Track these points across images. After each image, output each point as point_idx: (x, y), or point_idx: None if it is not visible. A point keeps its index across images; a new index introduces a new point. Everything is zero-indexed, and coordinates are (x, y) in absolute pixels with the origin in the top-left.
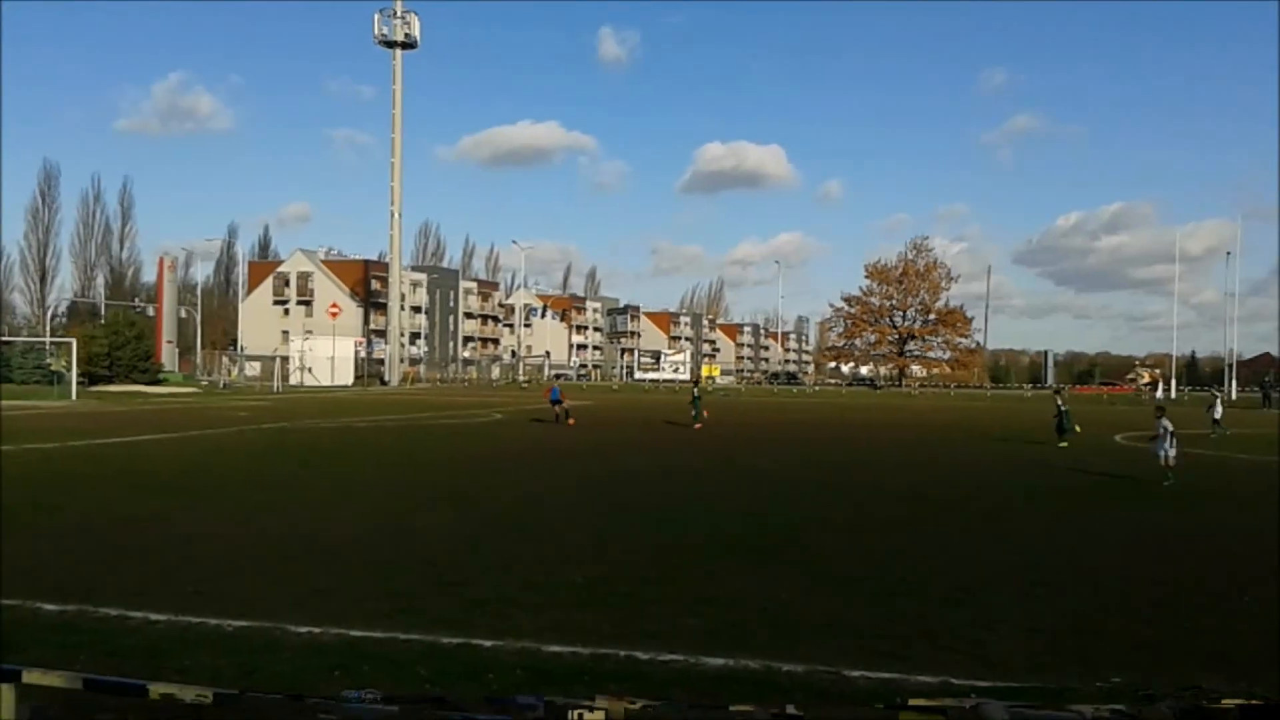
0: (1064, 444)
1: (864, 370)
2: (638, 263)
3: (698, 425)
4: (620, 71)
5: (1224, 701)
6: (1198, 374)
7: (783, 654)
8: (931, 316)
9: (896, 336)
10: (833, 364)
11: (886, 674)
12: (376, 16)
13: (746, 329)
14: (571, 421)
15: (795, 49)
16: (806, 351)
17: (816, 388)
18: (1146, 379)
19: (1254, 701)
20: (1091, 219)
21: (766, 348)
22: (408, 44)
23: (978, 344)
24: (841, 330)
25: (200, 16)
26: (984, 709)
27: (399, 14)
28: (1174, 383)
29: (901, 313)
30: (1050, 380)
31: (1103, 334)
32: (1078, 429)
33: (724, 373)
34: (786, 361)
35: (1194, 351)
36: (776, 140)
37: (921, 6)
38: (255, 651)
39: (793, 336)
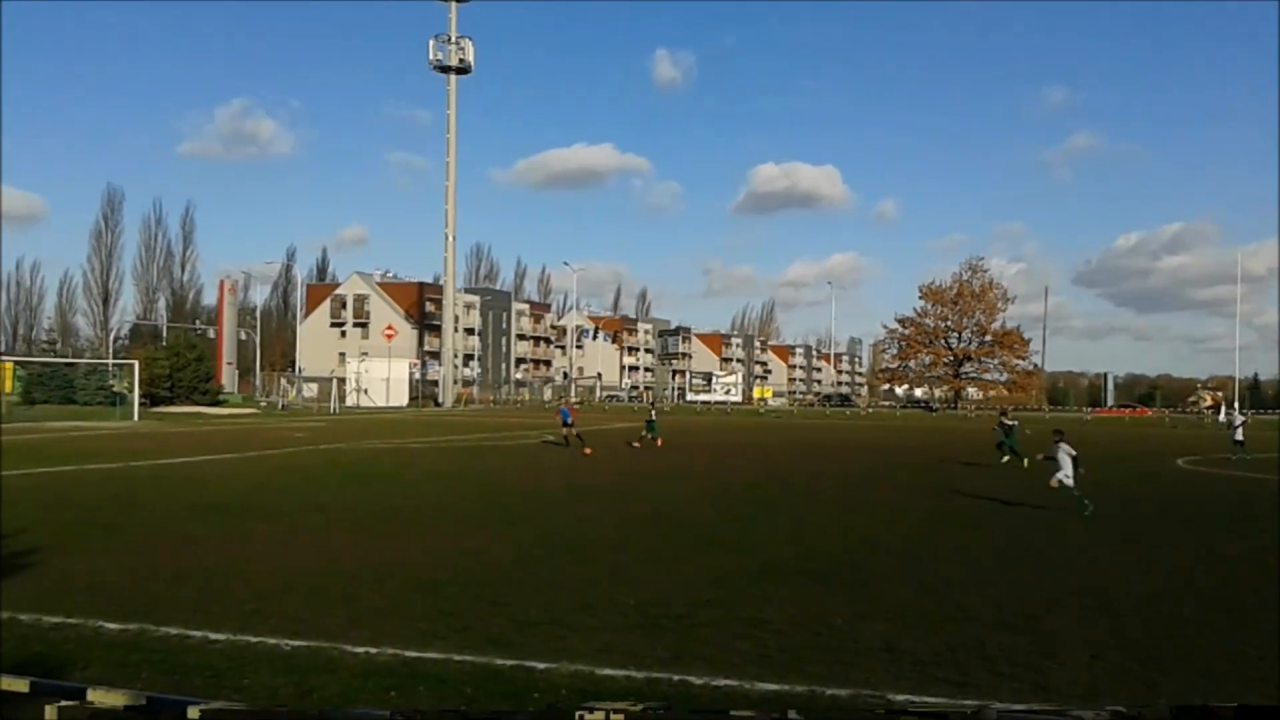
0: (1006, 459)
1: (918, 392)
2: (689, 284)
3: (637, 444)
4: (675, 93)
5: (1222, 706)
6: (1260, 397)
7: (837, 679)
8: (988, 338)
9: (952, 358)
10: (886, 386)
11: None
12: (431, 42)
13: (798, 350)
14: (588, 451)
15: (851, 68)
16: (859, 373)
17: (869, 410)
18: (1209, 401)
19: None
20: (1152, 239)
21: (819, 369)
22: (462, 69)
23: (1035, 366)
24: (895, 352)
25: (263, 42)
26: (984, 713)
27: (453, 40)
28: (1237, 405)
29: (957, 334)
30: (1110, 402)
31: (1164, 356)
32: (1024, 461)
33: (775, 394)
34: (839, 383)
35: (1257, 374)
36: (831, 161)
37: (980, 24)
38: (313, 671)
39: (845, 358)
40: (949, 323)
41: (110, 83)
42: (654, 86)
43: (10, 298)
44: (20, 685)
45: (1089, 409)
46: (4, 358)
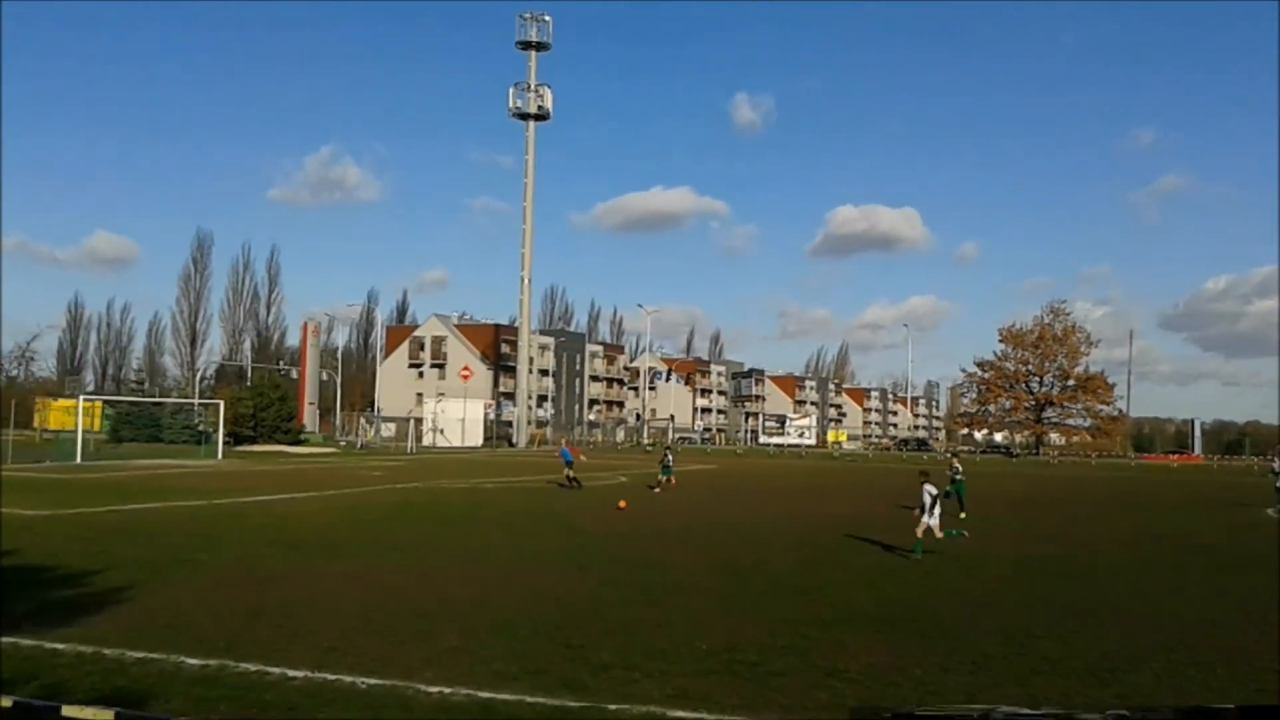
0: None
1: (998, 437)
2: (764, 326)
3: (657, 489)
4: (754, 135)
5: (1223, 707)
6: None
7: None
8: (1070, 382)
9: (1033, 403)
10: (965, 430)
11: None
12: (511, 90)
13: (874, 394)
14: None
15: (933, 110)
16: (937, 417)
17: (948, 454)
18: None
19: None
20: (1242, 282)
21: (895, 413)
22: (540, 116)
23: (1120, 411)
24: (974, 396)
25: (353, 91)
26: (992, 715)
27: (532, 88)
28: None
29: (1038, 378)
30: (1198, 449)
31: (1253, 402)
32: (962, 516)
33: (850, 438)
34: (916, 427)
35: None
36: (911, 203)
37: (1067, 64)
38: (387, 709)
39: (922, 402)
40: (1030, 366)
41: (204, 130)
42: (733, 129)
43: (100, 338)
44: (106, 716)
45: (1135, 454)
46: (94, 397)
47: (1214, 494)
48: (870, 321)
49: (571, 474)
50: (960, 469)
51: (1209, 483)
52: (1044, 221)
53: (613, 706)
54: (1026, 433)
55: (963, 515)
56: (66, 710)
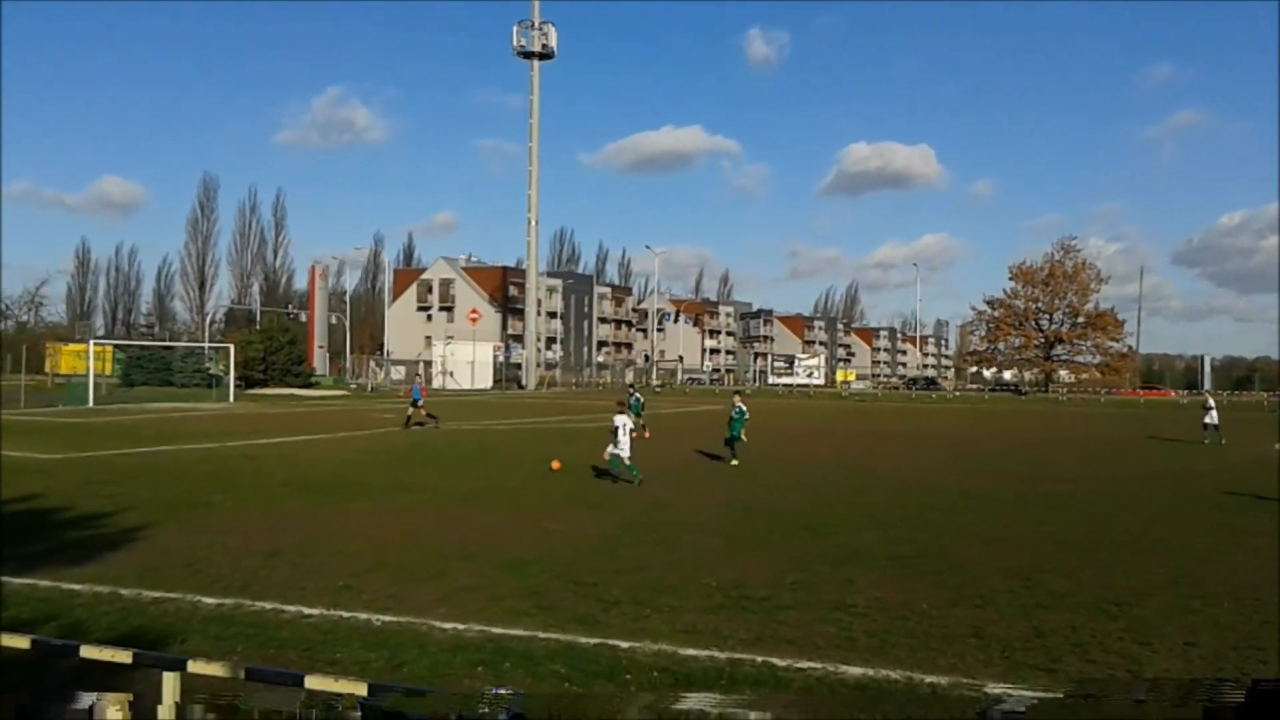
0: (735, 462)
1: (1007, 375)
2: (773, 267)
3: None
4: (768, 73)
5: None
6: None
7: (924, 665)
8: (1080, 319)
9: (1042, 340)
10: (974, 369)
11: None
12: (515, 28)
13: (883, 333)
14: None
15: (949, 46)
16: (946, 356)
17: (957, 393)
18: None
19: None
20: (1257, 217)
21: (904, 352)
22: (545, 55)
23: (1130, 348)
24: (984, 334)
25: (360, 30)
26: (991, 714)
27: (536, 25)
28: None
29: (1048, 315)
30: (1206, 385)
31: (1264, 338)
32: (744, 438)
33: (859, 377)
34: (925, 366)
35: None
36: (926, 140)
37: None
38: (402, 646)
39: (931, 341)
40: (1040, 304)
41: (212, 73)
42: (747, 66)
43: (109, 283)
44: (124, 656)
45: (1185, 391)
46: (104, 341)
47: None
48: (881, 261)
49: (425, 412)
50: (743, 408)
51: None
52: (1058, 158)
53: (625, 643)
54: (1036, 370)
55: (735, 459)
56: (85, 650)
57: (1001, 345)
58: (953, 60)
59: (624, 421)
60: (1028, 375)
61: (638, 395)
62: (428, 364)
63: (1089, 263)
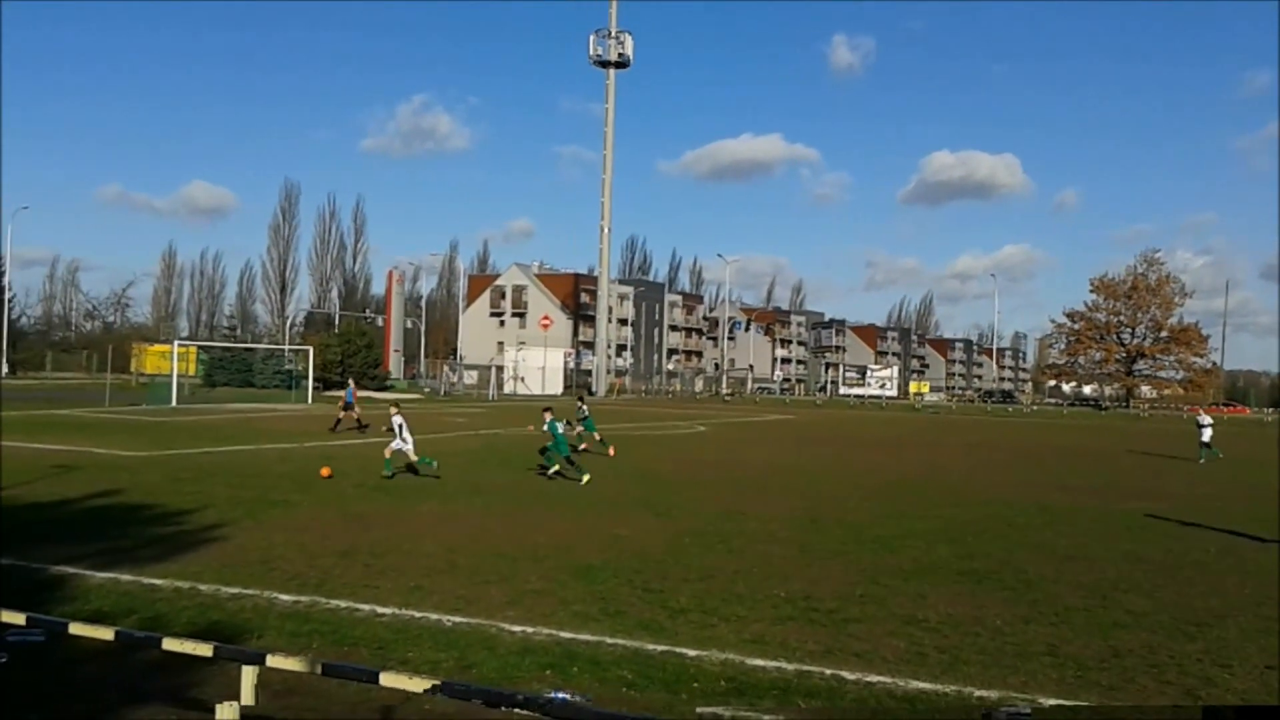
0: (555, 469)
1: (1087, 390)
2: (849, 277)
3: (585, 446)
4: (851, 80)
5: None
6: None
7: (996, 682)
8: (1163, 334)
9: (1124, 355)
10: (1053, 383)
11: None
12: (591, 37)
13: (958, 345)
14: (358, 420)
15: (1037, 52)
16: (1024, 369)
17: (1034, 407)
18: None
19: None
20: None
21: (980, 364)
22: (620, 64)
23: (1213, 364)
24: (1064, 347)
25: (445, 37)
26: (995, 715)
27: (613, 34)
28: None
29: (1130, 329)
30: None
31: None
32: (598, 438)
33: (933, 389)
34: (1001, 379)
35: None
36: (1011, 149)
37: (1178, 6)
38: (472, 647)
39: (1009, 354)
40: (1122, 318)
41: (301, 81)
42: (830, 73)
43: (194, 286)
44: (205, 650)
45: (1270, 409)
46: (188, 342)
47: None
48: (960, 271)
49: (355, 415)
50: (586, 409)
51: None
52: (1147, 168)
53: (692, 652)
54: (1116, 385)
55: (584, 448)
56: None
57: (1081, 359)
58: (1041, 67)
59: (399, 420)
60: (1108, 390)
61: (585, 408)
62: (500, 369)
63: (1173, 276)
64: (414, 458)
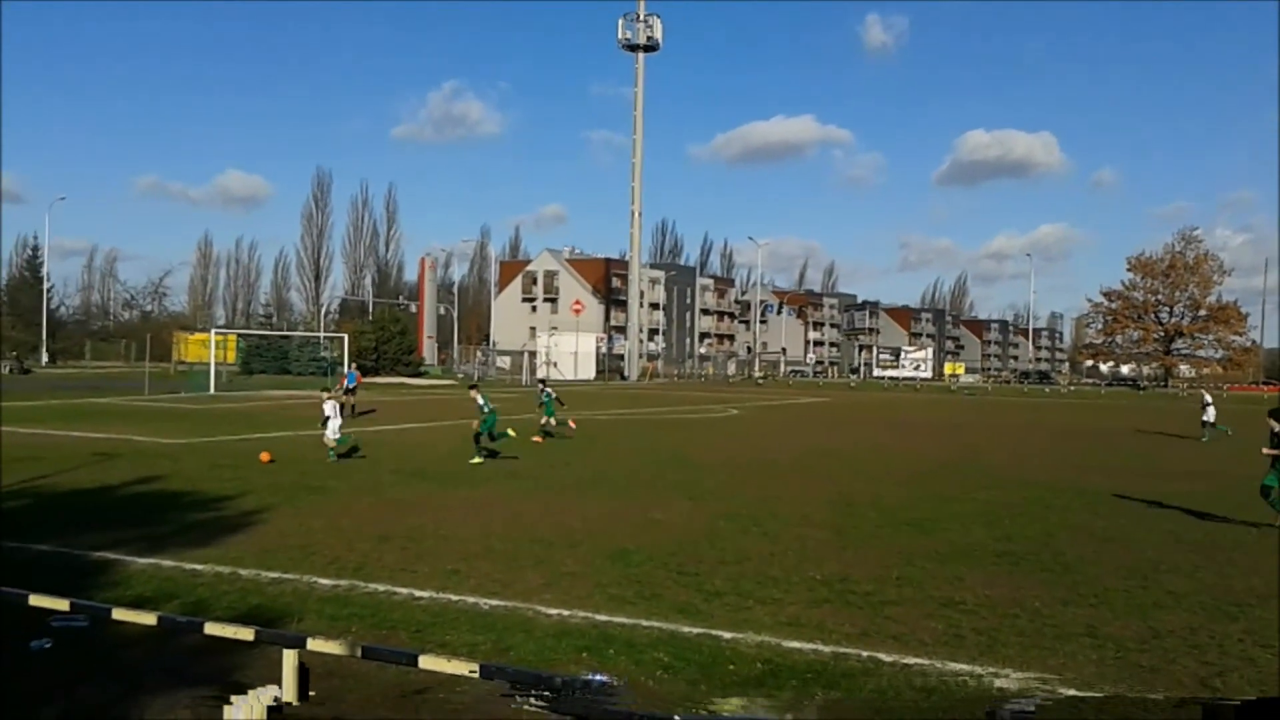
0: (477, 460)
1: (1125, 370)
2: (882, 258)
3: (538, 439)
4: (885, 60)
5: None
6: None
7: (1035, 664)
8: (1202, 312)
9: (1162, 334)
10: (1090, 363)
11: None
12: (620, 21)
13: (993, 326)
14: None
15: (1073, 30)
16: (1060, 349)
17: (1071, 388)
18: None
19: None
20: None
21: (1016, 345)
22: (650, 47)
23: (1253, 342)
24: (1100, 327)
25: (475, 21)
26: (1000, 714)
27: (642, 18)
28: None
29: (1168, 308)
30: None
31: None
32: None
33: (968, 371)
34: (1037, 360)
35: None
36: (1048, 127)
37: None
38: (509, 630)
39: (1045, 334)
40: (1159, 296)
41: (331, 69)
42: (863, 52)
43: (229, 274)
44: (246, 634)
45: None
46: (225, 330)
47: None
48: (995, 251)
49: (354, 401)
50: (551, 391)
51: None
52: (1186, 145)
53: (728, 634)
54: (1155, 365)
55: (547, 421)
56: (209, 628)
57: (1119, 338)
58: (1077, 44)
59: (332, 405)
60: (1146, 370)
61: (549, 391)
62: (532, 354)
63: (1211, 254)
64: (334, 438)
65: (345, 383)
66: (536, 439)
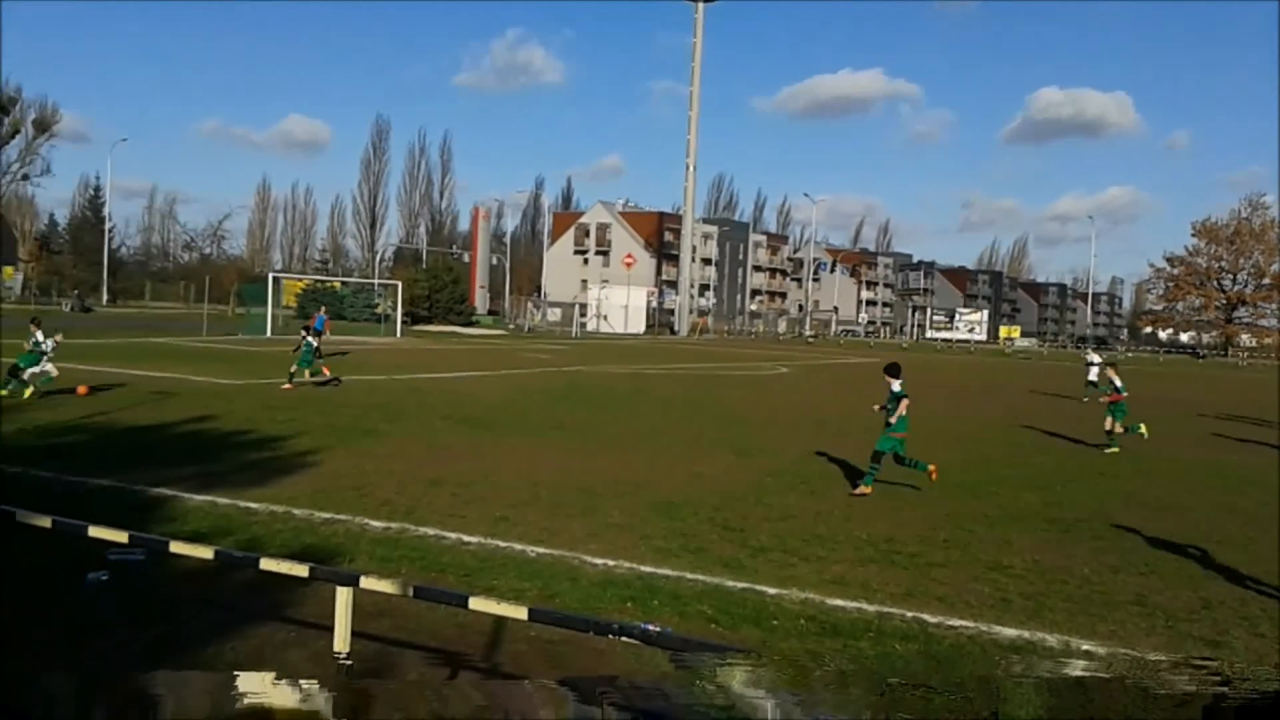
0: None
1: (1185, 337)
2: (943, 217)
3: (288, 385)
4: (958, 13)
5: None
6: None
7: (1082, 630)
8: (1266, 281)
9: (1224, 302)
10: (1149, 329)
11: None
12: None
13: (1052, 289)
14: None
15: None
16: (1119, 315)
17: (1129, 354)
18: None
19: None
20: None
21: (1074, 309)
22: None
23: None
24: (1161, 293)
25: None
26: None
27: None
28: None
29: (1231, 275)
30: None
31: None
32: None
33: (1024, 334)
34: (1096, 325)
35: None
36: (1124, 87)
37: None
38: (555, 578)
39: (1104, 299)
40: (1223, 263)
41: (397, 15)
42: (936, 6)
43: (287, 220)
44: (301, 570)
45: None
46: (282, 275)
47: None
48: (1060, 213)
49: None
50: (313, 341)
51: None
52: (1263, 107)
53: (772, 590)
54: (1215, 333)
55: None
56: (265, 563)
57: (1180, 305)
58: (1157, 2)
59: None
60: (1205, 338)
61: (308, 339)
62: (583, 307)
63: (1278, 221)
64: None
65: (314, 324)
66: (286, 386)
